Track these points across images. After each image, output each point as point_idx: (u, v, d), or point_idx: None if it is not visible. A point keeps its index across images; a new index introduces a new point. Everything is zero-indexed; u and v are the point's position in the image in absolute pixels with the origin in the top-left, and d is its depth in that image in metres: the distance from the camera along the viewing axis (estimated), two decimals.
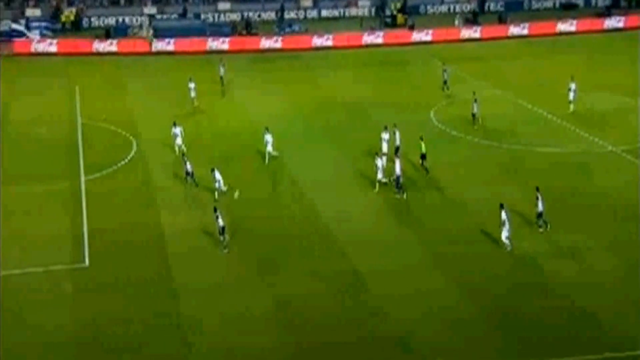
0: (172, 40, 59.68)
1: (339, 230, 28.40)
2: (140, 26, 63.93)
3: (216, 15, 68.75)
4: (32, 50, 57.88)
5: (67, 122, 41.26)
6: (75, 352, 21.40)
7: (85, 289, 24.64)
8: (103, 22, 66.64)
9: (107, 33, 62.23)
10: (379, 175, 31.60)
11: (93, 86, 49.23)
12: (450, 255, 26.49)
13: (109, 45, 59.06)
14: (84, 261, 26.21)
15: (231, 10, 69.44)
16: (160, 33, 60.89)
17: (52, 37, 60.34)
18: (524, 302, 23.59)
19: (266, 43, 60.93)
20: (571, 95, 42.00)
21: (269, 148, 34.92)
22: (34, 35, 60.45)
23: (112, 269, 25.83)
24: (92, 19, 66.95)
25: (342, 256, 26.61)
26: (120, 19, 66.64)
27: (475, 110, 39.97)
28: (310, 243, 27.62)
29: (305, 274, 25.50)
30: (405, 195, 31.11)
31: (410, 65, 54.80)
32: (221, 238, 26.80)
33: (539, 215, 27.86)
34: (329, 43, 61.29)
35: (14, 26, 61.55)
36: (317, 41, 61.40)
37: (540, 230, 27.81)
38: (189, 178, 32.04)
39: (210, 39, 60.29)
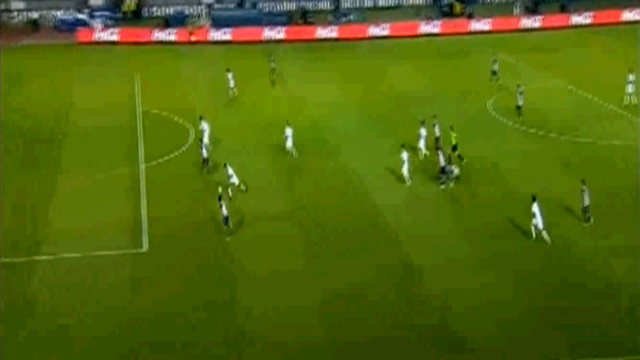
0: (229, 30, 60.31)
1: (392, 222, 28.31)
2: (199, 15, 64.82)
3: (273, 4, 69.14)
4: (95, 39, 59.31)
5: (127, 110, 42.20)
6: (132, 334, 21.96)
7: (144, 273, 25.26)
8: (163, 11, 67.81)
9: (167, 22, 63.29)
10: (405, 170, 31.13)
11: (152, 75, 50.17)
12: (502, 250, 26.15)
13: (168, 35, 60.06)
14: (142, 246, 26.88)
15: (288, 0, 69.71)
16: (217, 22, 61.65)
17: (114, 27, 61.67)
18: (573, 301, 23.15)
19: (322, 32, 60.96)
20: (630, 88, 40.76)
21: (289, 143, 34.37)
22: (97, 24, 61.93)
23: (169, 254, 26.39)
24: (152, 9, 68.20)
25: (394, 249, 26.56)
26: (180, 9, 67.66)
27: (520, 102, 39.24)
28: (363, 235, 27.64)
29: (358, 266, 25.54)
30: (451, 185, 30.80)
31: (467, 55, 54.03)
32: (224, 227, 27.00)
33: (585, 209, 27.26)
34: (385, 32, 60.93)
35: (78, 16, 63.24)
36: (373, 31, 61.12)
37: (585, 224, 27.18)
38: (205, 167, 32.08)
39: (266, 29, 60.69)
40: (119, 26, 62.01)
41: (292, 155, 34.38)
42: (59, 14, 63.67)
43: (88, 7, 66.14)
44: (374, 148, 36.08)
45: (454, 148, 33.05)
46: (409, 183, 31.14)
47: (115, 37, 59.45)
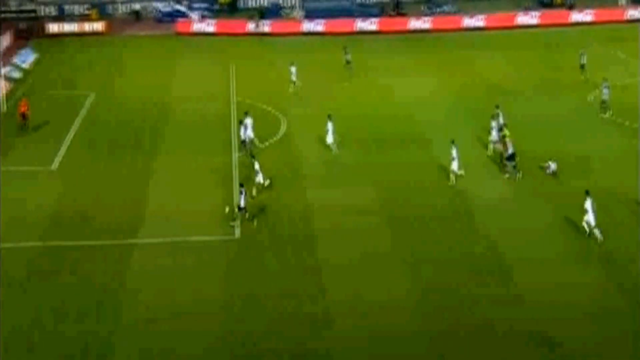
0: (321, 21, 60.60)
1: (482, 216, 27.87)
2: (292, 7, 65.43)
3: None
4: (192, 30, 60.95)
5: (222, 100, 43.16)
6: (224, 319, 22.41)
7: (235, 260, 25.82)
8: (257, 3, 68.84)
9: (261, 14, 64.24)
10: (454, 166, 30.44)
11: (246, 65, 51.11)
12: (595, 248, 25.28)
13: (262, 26, 60.93)
14: (234, 233, 27.48)
15: None
16: (310, 14, 62.05)
17: (211, 18, 63.16)
18: None
19: (415, 24, 60.30)
20: None
21: (330, 139, 34.00)
22: (195, 16, 63.62)
23: (261, 242, 26.88)
24: (248, 1, 69.35)
25: (486, 242, 26.12)
26: (274, 1, 68.44)
27: (605, 96, 37.53)
28: (455, 228, 27.33)
29: (449, 259, 25.29)
30: (520, 175, 30.10)
31: (568, 48, 52.08)
32: (233, 215, 27.16)
33: None
34: (481, 24, 59.60)
35: (177, 7, 65.15)
36: (469, 22, 59.92)
37: None
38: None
39: (359, 20, 60.58)
40: (216, 18, 63.43)
41: (333, 151, 34.06)
42: (160, 5, 65.76)
43: None
44: (466, 141, 35.45)
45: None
46: (451, 183, 30.42)
47: (211, 29, 60.87)
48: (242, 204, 27.32)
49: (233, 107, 41.85)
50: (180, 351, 20.93)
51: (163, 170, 33.04)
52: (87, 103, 42.07)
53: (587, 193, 25.61)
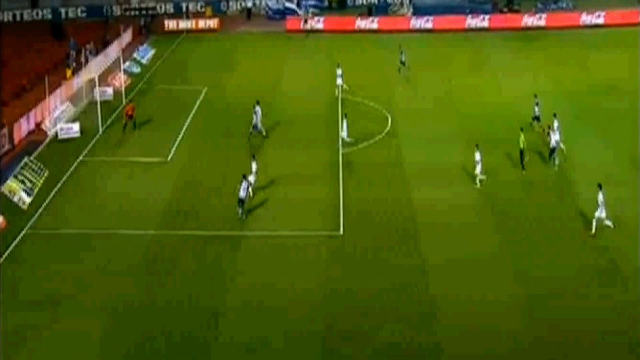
0: (430, 18, 60.02)
1: (591, 218, 26.86)
2: (401, 3, 65.15)
3: None
4: (302, 27, 61.86)
5: (329, 96, 43.64)
6: (322, 316, 22.71)
7: (339, 256, 26.11)
8: (366, 0, 69.01)
9: (369, 11, 64.40)
10: (477, 171, 29.77)
11: (354, 62, 51.34)
12: None
13: (371, 23, 61.11)
14: (338, 229, 27.84)
15: None
16: (419, 10, 61.59)
17: (320, 15, 63.96)
18: None
19: (529, 21, 58.62)
20: None
21: (344, 134, 34.28)
22: (304, 13, 64.59)
23: (364, 239, 27.06)
24: None
25: (594, 247, 25.28)
26: None
27: None
28: (563, 229, 26.60)
29: (554, 262, 24.65)
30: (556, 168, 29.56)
31: None
32: (239, 210, 27.48)
33: None
34: (600, 21, 57.22)
35: (287, 4, 66.39)
36: (586, 19, 57.64)
37: None
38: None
39: (469, 17, 59.56)
40: (325, 15, 64.15)
41: (351, 143, 34.59)
42: (270, 3, 67.24)
43: None
44: (581, 141, 34.29)
45: (521, 153, 31.24)
46: (478, 185, 29.79)
47: (320, 25, 61.60)
48: (242, 195, 27.70)
49: (339, 103, 42.25)
50: (275, 345, 21.25)
51: (269, 164, 33.86)
52: (200, 97, 43.72)
53: (600, 186, 25.58)
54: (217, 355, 21.03)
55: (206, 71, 49.29)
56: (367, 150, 35.30)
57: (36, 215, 29.15)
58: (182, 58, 53.79)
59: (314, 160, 34.19)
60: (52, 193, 31.05)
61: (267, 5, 66.98)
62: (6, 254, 26.29)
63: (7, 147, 35.69)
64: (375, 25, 60.74)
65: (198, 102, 42.65)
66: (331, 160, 34.16)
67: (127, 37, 56.91)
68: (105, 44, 52.90)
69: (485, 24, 58.95)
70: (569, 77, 44.79)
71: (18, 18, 60.55)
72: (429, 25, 59.80)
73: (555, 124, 32.59)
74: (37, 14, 61.28)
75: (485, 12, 60.82)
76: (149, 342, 21.50)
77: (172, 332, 21.95)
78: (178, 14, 64.18)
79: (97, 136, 37.63)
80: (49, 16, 61.36)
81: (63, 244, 27.05)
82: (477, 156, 30.32)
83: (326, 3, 68.29)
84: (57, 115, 39.30)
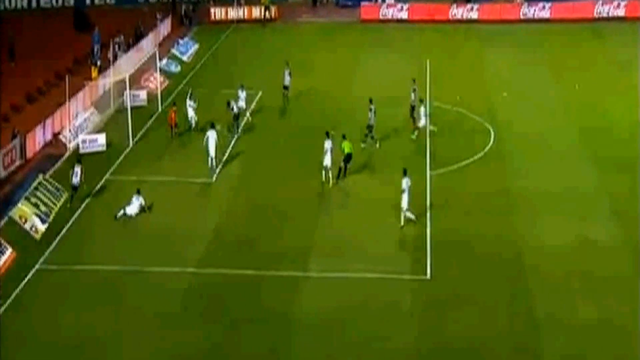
0: (547, 5, 59.59)
1: None
2: None
3: None
4: (380, 16, 62.39)
5: (409, 104, 43.32)
6: None
7: (424, 306, 26.13)
8: None
9: None
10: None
11: (446, 60, 51.37)
12: None
13: (469, 11, 61.08)
14: (425, 273, 27.81)
15: None
16: None
17: (403, 2, 64.23)
18: None
19: None
20: None
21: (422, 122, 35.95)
22: None
23: (457, 285, 27.04)
24: None
25: None
26: None
27: None
28: None
29: None
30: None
31: None
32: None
33: None
34: None
35: None
36: None
37: None
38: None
39: (599, 2, 58.80)
40: (409, 1, 64.34)
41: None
42: None
43: None
44: None
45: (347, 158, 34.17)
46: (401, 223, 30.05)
47: (404, 15, 61.93)
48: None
49: (426, 111, 42.12)
50: None
51: (335, 192, 33.97)
52: (254, 102, 44.24)
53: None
54: None
55: (261, 70, 49.91)
56: (462, 172, 35.17)
57: (51, 247, 30.03)
58: (231, 54, 54.79)
59: (395, 186, 33.91)
60: (72, 220, 32.02)
61: None
62: (12, 296, 26.69)
63: (18, 162, 36.72)
64: (475, 15, 60.66)
65: (251, 108, 43.29)
66: (417, 185, 33.33)
67: (164, 28, 58.38)
68: (138, 37, 54.11)
69: (621, 12, 57.97)
70: None
71: (34, 5, 62.93)
72: (546, 15, 59.32)
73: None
74: (57, 1, 63.54)
75: None
76: None
77: None
78: (228, 0, 65.33)
79: (127, 150, 38.68)
80: (71, 2, 63.47)
81: (82, 284, 27.68)
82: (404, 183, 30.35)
83: None
84: (78, 124, 40.42)
